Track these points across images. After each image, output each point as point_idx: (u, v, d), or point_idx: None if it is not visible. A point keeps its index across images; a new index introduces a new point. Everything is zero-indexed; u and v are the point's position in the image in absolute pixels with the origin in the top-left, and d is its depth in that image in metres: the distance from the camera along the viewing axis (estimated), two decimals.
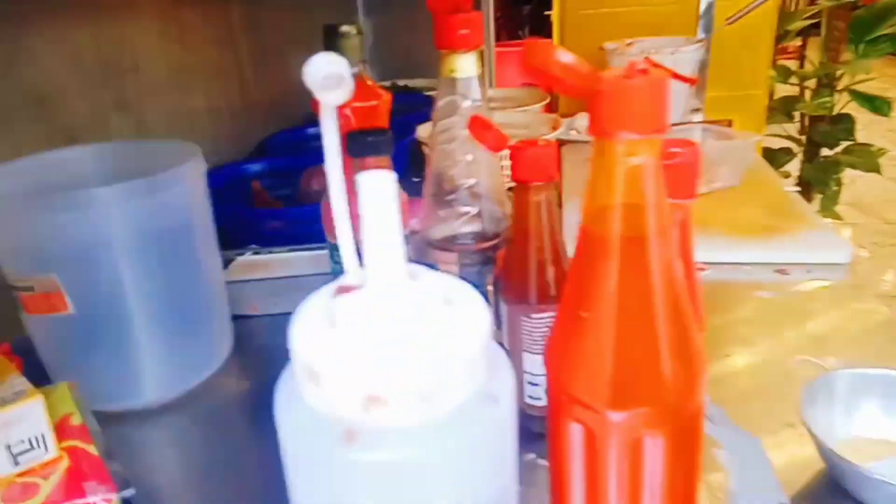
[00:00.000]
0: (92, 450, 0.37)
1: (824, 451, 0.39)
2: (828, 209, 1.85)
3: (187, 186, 0.49)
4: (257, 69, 0.99)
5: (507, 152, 0.41)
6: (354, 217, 0.34)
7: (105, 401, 0.50)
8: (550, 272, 0.42)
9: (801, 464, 0.43)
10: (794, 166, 1.88)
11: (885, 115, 1.69)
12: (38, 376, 0.49)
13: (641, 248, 0.26)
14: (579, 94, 0.24)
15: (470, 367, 0.19)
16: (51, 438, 0.35)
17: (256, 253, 0.68)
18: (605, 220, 0.26)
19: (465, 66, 0.43)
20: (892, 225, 2.57)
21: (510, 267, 0.43)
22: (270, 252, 0.68)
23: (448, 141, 0.45)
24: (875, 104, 1.70)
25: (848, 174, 1.80)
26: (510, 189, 0.43)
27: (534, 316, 0.42)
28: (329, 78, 0.21)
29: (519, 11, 2.71)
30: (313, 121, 0.23)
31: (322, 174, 0.23)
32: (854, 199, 2.65)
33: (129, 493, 0.36)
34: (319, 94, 0.22)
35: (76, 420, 0.38)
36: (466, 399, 0.19)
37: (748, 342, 0.57)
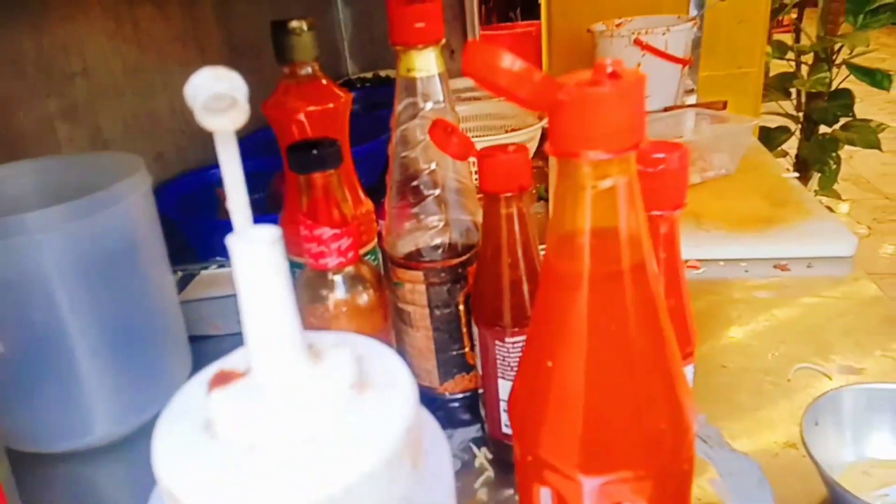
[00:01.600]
0: None
1: (826, 480, 0.35)
2: (827, 187, 1.80)
3: (129, 204, 0.45)
4: (227, 67, 0.94)
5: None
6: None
7: (51, 441, 0.46)
8: (525, 292, 0.37)
9: (805, 491, 0.39)
10: (791, 144, 1.83)
11: (886, 88, 1.62)
12: None
13: (616, 284, 0.22)
14: (534, 107, 0.20)
15: (383, 475, 0.14)
16: None
17: (221, 266, 0.64)
18: (571, 253, 0.22)
19: (424, 63, 0.39)
20: (891, 200, 2.52)
21: (481, 286, 0.39)
22: None
23: (409, 148, 0.40)
24: (875, 78, 1.63)
25: (845, 149, 1.75)
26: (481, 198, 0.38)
27: (507, 340, 0.38)
28: (218, 99, 0.17)
29: None
30: None
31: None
32: (852, 175, 2.60)
33: None
34: (205, 120, 0.17)
35: None
36: None
37: (746, 351, 0.53)
